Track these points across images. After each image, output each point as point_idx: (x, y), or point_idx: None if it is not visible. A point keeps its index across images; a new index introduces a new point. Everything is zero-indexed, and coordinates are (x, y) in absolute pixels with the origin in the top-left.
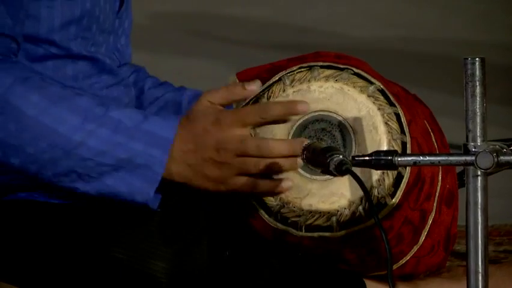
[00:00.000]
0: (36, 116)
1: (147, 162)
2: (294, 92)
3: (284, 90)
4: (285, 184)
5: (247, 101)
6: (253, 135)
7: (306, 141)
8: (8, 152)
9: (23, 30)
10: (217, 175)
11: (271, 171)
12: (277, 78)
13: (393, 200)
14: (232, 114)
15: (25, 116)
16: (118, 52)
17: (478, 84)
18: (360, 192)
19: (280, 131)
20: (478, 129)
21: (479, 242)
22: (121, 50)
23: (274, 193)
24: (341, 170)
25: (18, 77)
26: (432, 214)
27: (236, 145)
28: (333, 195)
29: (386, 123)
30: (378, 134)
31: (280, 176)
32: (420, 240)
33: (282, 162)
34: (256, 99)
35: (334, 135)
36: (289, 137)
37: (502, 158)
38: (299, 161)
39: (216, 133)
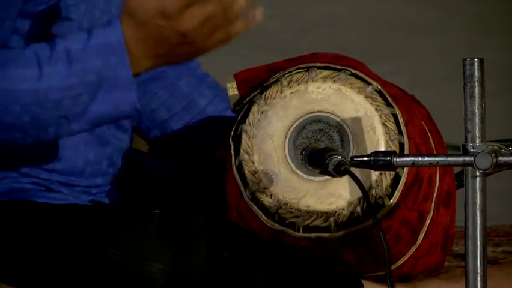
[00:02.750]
0: None
1: (113, 72)
2: (291, 93)
3: (282, 91)
4: (256, 14)
5: (243, 102)
6: (250, 136)
7: None
8: None
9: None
10: (191, 49)
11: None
12: (274, 79)
13: (391, 200)
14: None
15: None
16: None
17: (476, 84)
18: (358, 193)
19: (277, 133)
20: (477, 130)
21: (478, 242)
22: None
23: (249, 27)
24: (340, 170)
25: None
26: (430, 215)
27: (194, 19)
28: (331, 195)
29: (383, 124)
30: (376, 134)
31: (275, 176)
32: (418, 240)
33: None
34: (253, 100)
35: (332, 136)
36: (287, 138)
37: (500, 158)
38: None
39: (169, 24)
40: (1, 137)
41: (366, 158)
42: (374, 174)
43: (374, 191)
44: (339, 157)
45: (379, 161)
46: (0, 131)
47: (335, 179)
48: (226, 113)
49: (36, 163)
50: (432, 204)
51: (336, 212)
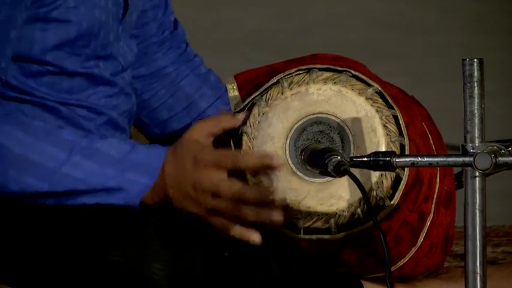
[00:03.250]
0: (22, 153)
1: (132, 188)
2: (292, 94)
3: (282, 93)
4: (252, 237)
5: (244, 104)
6: (251, 138)
7: (281, 199)
8: None
9: (7, 64)
10: (195, 211)
11: (244, 217)
12: (275, 80)
13: (392, 201)
14: (209, 156)
15: (10, 153)
16: (121, 57)
17: (476, 85)
18: (359, 194)
19: (278, 134)
20: (476, 130)
21: (478, 243)
22: (123, 53)
23: (242, 239)
24: (339, 170)
25: (0, 113)
26: (431, 216)
27: (211, 186)
28: (331, 197)
29: (384, 125)
30: (377, 136)
31: (275, 177)
32: (418, 241)
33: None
34: (254, 102)
35: (332, 138)
36: (288, 140)
37: (500, 159)
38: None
39: (193, 172)
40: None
41: (365, 159)
42: (375, 176)
43: (374, 192)
44: (339, 157)
45: (379, 161)
46: (3, 189)
47: (335, 180)
48: None
49: None
50: (433, 205)
51: (336, 213)
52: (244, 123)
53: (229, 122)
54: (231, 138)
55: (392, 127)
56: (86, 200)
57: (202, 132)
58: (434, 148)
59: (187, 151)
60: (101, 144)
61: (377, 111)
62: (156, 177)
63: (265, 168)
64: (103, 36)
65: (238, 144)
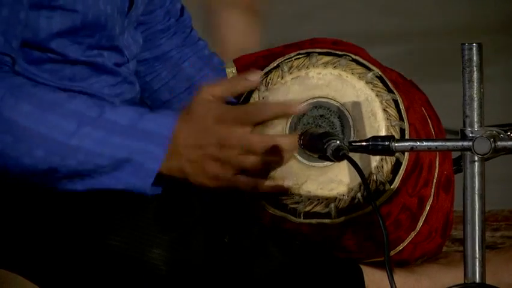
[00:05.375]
0: (31, 126)
1: (143, 160)
2: (292, 78)
3: (282, 77)
4: (286, 184)
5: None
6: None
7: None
8: (7, 164)
9: (18, 45)
10: (217, 172)
11: (273, 168)
12: (275, 64)
13: (392, 186)
14: (234, 112)
15: (19, 127)
16: (127, 49)
17: (475, 69)
18: (359, 179)
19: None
20: (475, 115)
21: (476, 227)
22: (128, 46)
23: (273, 194)
24: (338, 155)
25: (9, 87)
26: (430, 200)
27: (240, 141)
28: (331, 181)
29: (384, 109)
30: (377, 120)
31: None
32: (417, 226)
33: (284, 157)
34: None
35: (332, 122)
36: (288, 124)
37: (499, 143)
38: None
39: (218, 130)
40: (12, 171)
41: (364, 143)
42: (375, 160)
43: (374, 176)
44: (338, 142)
45: (378, 145)
46: (13, 167)
47: (335, 165)
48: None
49: None
50: (432, 190)
51: (336, 198)
52: None
53: (242, 84)
54: None
55: (392, 111)
56: (96, 180)
57: (213, 94)
58: (433, 132)
59: (206, 110)
60: (110, 114)
61: (377, 95)
62: (167, 146)
63: (289, 113)
64: (110, 28)
65: None
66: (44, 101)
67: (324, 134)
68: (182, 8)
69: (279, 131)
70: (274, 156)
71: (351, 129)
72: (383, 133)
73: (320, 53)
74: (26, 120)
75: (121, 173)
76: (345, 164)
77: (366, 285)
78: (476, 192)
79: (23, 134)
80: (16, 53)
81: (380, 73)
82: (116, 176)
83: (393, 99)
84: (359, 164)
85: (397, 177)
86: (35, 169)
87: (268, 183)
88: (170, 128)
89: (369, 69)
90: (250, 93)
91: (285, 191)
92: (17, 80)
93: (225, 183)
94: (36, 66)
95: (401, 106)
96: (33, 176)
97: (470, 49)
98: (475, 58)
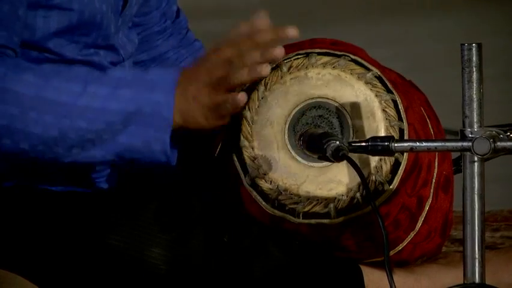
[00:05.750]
0: (37, 94)
1: (154, 109)
2: (291, 78)
3: (282, 77)
4: (278, 49)
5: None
6: (250, 122)
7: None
8: (16, 138)
9: (19, 40)
10: (214, 98)
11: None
12: (274, 65)
13: (391, 186)
14: (226, 42)
15: (26, 97)
16: (122, 49)
17: (474, 70)
18: (358, 179)
19: (277, 118)
20: (475, 115)
21: (476, 227)
22: (123, 45)
23: (274, 58)
24: (338, 155)
25: (10, 64)
26: (429, 200)
27: (233, 46)
28: (330, 181)
29: (383, 110)
30: (376, 120)
31: (274, 162)
32: (417, 226)
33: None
34: (254, 84)
35: (332, 122)
36: (287, 124)
37: (498, 143)
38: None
39: (213, 57)
40: (22, 148)
41: (364, 143)
42: (374, 161)
43: (373, 177)
44: (337, 142)
45: (377, 146)
46: (23, 140)
47: (334, 165)
48: None
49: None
50: (431, 190)
51: (336, 198)
52: (243, 107)
53: (277, 34)
54: (230, 121)
55: (391, 111)
56: (113, 142)
57: (240, 33)
58: (432, 132)
59: (204, 57)
60: (114, 71)
61: (376, 95)
62: (174, 91)
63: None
64: (105, 27)
65: (238, 128)
66: (46, 71)
67: (323, 134)
68: (178, 10)
69: (278, 131)
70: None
71: (350, 129)
72: (382, 133)
73: (319, 53)
74: (32, 89)
75: (135, 126)
76: (344, 164)
77: (365, 285)
78: (476, 193)
79: (30, 103)
80: (18, 49)
81: (379, 73)
82: (131, 132)
83: (392, 100)
84: (358, 164)
85: (396, 178)
86: (46, 137)
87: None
88: (175, 74)
89: (368, 70)
90: (249, 93)
91: (278, 55)
92: (19, 60)
93: (224, 110)
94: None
95: (400, 106)
96: (45, 147)
97: (470, 49)
98: (474, 58)
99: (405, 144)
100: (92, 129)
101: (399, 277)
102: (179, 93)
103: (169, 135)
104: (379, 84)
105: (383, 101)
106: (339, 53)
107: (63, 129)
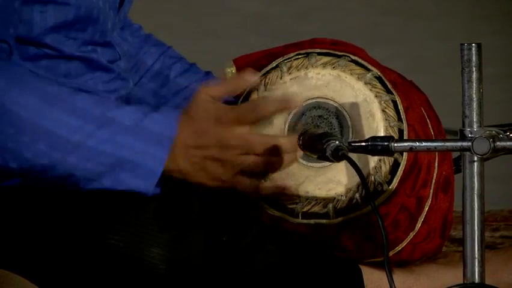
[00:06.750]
0: (34, 119)
1: (146, 161)
2: (291, 79)
3: (281, 77)
4: (288, 191)
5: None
6: None
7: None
8: (7, 157)
9: (15, 33)
10: (217, 172)
11: (273, 168)
12: (274, 65)
13: (390, 186)
14: (232, 112)
15: (22, 120)
16: (118, 46)
17: (474, 70)
18: (357, 179)
19: (277, 119)
20: (475, 115)
21: (476, 227)
22: (119, 43)
23: (274, 196)
24: (337, 155)
25: (12, 78)
26: (429, 201)
27: (239, 142)
28: (330, 182)
29: (383, 110)
30: (375, 121)
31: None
32: (416, 227)
33: (284, 158)
34: (253, 86)
35: (331, 123)
36: (287, 125)
37: (498, 143)
38: (299, 153)
39: (218, 131)
40: (11, 167)
41: (364, 143)
42: (373, 161)
43: (372, 177)
44: (337, 142)
45: (377, 146)
46: (12, 160)
47: (334, 165)
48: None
49: None
50: (431, 191)
51: (335, 198)
52: None
53: (241, 84)
54: None
55: (391, 112)
56: (97, 182)
57: (212, 95)
58: (432, 133)
59: (205, 111)
60: (114, 112)
61: (376, 96)
62: (169, 148)
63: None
64: (102, 22)
65: None
66: (47, 94)
67: (323, 134)
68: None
69: (278, 131)
70: (274, 156)
71: (350, 129)
72: (381, 134)
73: (319, 54)
74: (30, 114)
75: (123, 173)
76: (343, 164)
77: (365, 285)
78: (476, 192)
79: (26, 127)
80: (13, 41)
81: (379, 74)
82: (117, 177)
83: (392, 100)
84: (358, 164)
85: (395, 178)
86: (35, 164)
87: (268, 184)
88: (173, 129)
89: (368, 70)
90: (249, 93)
91: (285, 193)
92: (18, 70)
93: (225, 183)
94: (32, 63)
95: (400, 107)
96: (32, 172)
97: (470, 49)
98: (474, 58)
99: (405, 144)
100: (81, 167)
101: (398, 277)
102: (177, 153)
103: (153, 187)
104: (379, 85)
105: (382, 102)
106: (339, 53)
107: (53, 160)
